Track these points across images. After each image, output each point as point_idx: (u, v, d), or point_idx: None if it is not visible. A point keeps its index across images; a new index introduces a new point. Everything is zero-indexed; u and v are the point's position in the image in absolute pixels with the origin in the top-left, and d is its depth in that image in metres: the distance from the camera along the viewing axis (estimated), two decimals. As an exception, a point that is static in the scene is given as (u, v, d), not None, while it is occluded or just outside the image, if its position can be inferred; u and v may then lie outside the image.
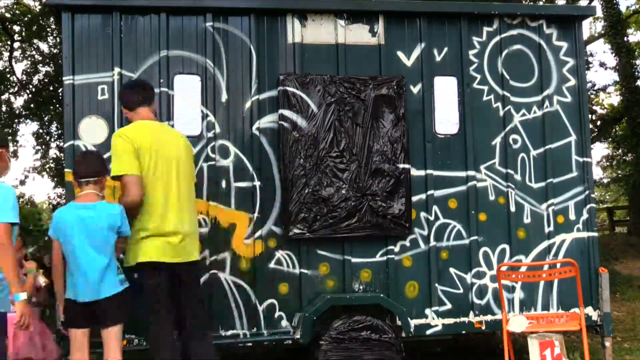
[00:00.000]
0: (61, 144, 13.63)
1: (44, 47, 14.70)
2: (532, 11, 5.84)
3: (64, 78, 4.96)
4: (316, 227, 5.00)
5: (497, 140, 5.46)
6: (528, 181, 5.46)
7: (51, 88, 13.75)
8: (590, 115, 12.69)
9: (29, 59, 14.87)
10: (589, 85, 17.10)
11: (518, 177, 5.46)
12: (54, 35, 13.89)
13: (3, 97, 14.45)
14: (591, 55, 18.95)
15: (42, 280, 5.19)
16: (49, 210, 19.08)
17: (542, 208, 5.45)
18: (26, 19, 14.36)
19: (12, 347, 4.41)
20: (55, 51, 13.91)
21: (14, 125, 15.86)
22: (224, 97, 5.11)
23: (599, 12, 15.80)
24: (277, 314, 5.01)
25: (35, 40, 14.56)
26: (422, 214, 5.27)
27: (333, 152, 5.09)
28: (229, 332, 4.93)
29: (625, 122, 16.74)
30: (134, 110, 4.15)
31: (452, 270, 5.25)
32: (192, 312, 4.05)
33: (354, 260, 5.14)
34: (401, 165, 5.17)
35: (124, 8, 5.02)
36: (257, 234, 5.03)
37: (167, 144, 4.04)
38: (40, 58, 14.61)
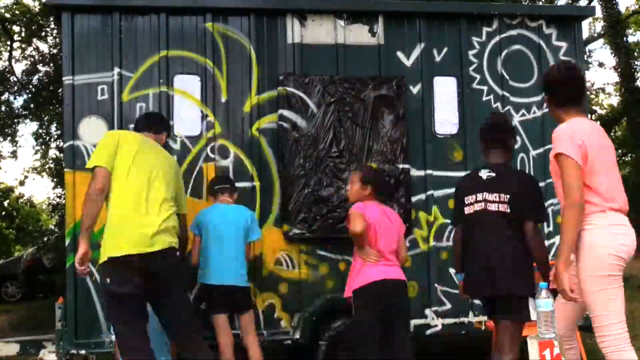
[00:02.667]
0: (61, 144, 13.60)
1: (43, 47, 14.68)
2: (532, 11, 5.84)
3: (64, 78, 4.97)
4: (316, 227, 5.00)
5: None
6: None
7: (51, 88, 13.72)
8: (589, 116, 12.70)
9: (29, 59, 14.84)
10: (588, 84, 17.09)
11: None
12: (54, 35, 13.87)
13: (3, 97, 14.43)
14: (590, 55, 18.96)
15: None
16: (49, 211, 19.07)
17: (542, 208, 5.44)
18: (25, 19, 14.33)
19: None
20: (55, 51, 13.89)
21: (14, 126, 15.84)
22: (223, 97, 5.11)
23: (599, 13, 15.81)
24: (276, 314, 5.01)
25: (34, 40, 14.54)
26: (422, 214, 5.27)
27: (333, 152, 5.09)
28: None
29: (625, 123, 16.75)
30: None
31: (452, 270, 5.25)
32: None
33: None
34: (401, 166, 5.17)
35: (124, 8, 5.03)
36: (257, 234, 5.03)
37: None
38: (40, 58, 14.58)
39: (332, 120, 5.11)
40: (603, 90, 19.71)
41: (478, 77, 5.49)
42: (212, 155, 5.05)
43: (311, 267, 5.08)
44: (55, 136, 15.07)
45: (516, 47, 5.58)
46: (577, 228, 3.00)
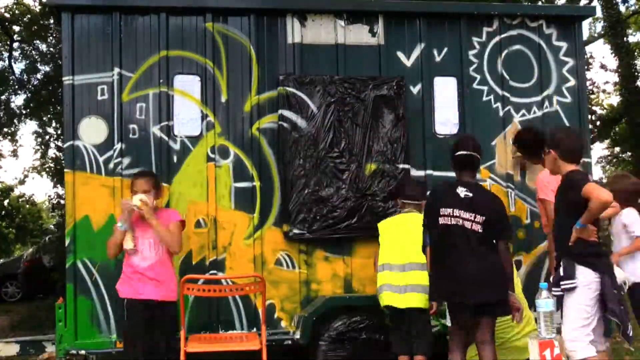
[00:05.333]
0: (61, 144, 13.60)
1: (43, 47, 14.67)
2: (532, 11, 5.84)
3: (63, 78, 4.97)
4: (316, 227, 5.00)
5: (497, 141, 5.46)
6: (528, 181, 5.46)
7: (50, 88, 13.73)
8: (589, 116, 12.68)
9: (29, 58, 14.84)
10: (588, 84, 17.10)
11: (518, 177, 5.46)
12: (54, 35, 13.87)
13: (2, 97, 14.43)
14: (591, 56, 18.93)
15: None
16: (49, 210, 19.08)
17: (542, 208, 5.44)
18: (26, 19, 14.35)
19: None
20: (55, 51, 13.89)
21: (14, 125, 15.84)
22: (223, 97, 5.11)
23: (599, 13, 15.80)
24: (276, 314, 5.01)
25: (35, 40, 14.54)
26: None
27: (333, 152, 5.09)
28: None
29: (625, 123, 16.74)
30: None
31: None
32: None
33: (353, 260, 5.14)
34: (401, 166, 5.17)
35: (123, 8, 5.03)
36: (257, 234, 5.03)
37: None
38: (39, 58, 14.58)
39: (332, 121, 5.11)
40: (603, 90, 19.69)
41: (478, 77, 5.48)
42: (212, 155, 5.05)
43: (311, 267, 5.08)
44: (55, 136, 15.07)
45: (516, 47, 5.58)
46: None
